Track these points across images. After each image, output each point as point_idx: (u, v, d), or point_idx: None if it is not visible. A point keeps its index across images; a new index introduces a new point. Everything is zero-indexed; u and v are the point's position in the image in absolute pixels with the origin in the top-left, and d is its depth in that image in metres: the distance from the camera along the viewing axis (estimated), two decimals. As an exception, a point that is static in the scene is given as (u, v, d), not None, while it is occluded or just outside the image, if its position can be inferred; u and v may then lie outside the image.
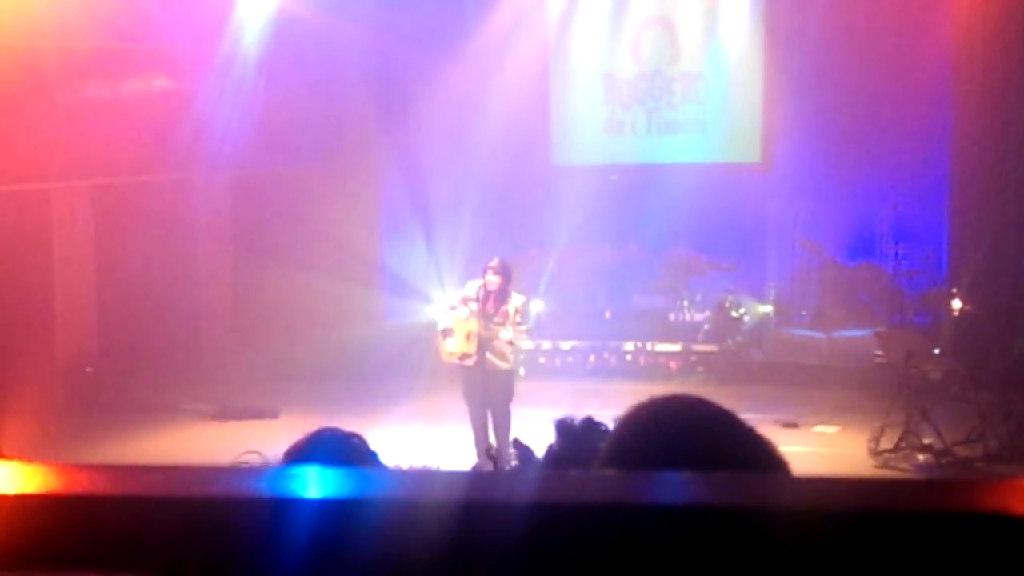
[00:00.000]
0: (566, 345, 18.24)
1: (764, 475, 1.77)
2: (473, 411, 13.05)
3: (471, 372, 12.95)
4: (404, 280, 19.53)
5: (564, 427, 2.94)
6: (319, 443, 3.04)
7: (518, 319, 12.89)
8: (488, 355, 12.84)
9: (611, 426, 2.82)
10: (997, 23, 17.33)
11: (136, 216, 17.35)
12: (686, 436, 1.93)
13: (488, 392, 12.88)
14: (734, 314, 18.48)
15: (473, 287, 13.02)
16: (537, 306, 17.68)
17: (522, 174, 19.77)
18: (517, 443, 4.10)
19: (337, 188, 19.21)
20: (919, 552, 0.93)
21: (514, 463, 4.31)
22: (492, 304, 12.86)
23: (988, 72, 17.43)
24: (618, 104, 20.17)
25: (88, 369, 16.62)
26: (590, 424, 2.89)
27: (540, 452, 3.41)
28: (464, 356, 12.92)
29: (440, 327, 13.19)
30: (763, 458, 1.94)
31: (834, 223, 19.07)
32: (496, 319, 12.82)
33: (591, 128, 20.24)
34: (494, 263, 12.95)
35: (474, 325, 12.82)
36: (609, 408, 2.33)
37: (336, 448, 3.06)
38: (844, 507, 0.97)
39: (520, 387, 13.74)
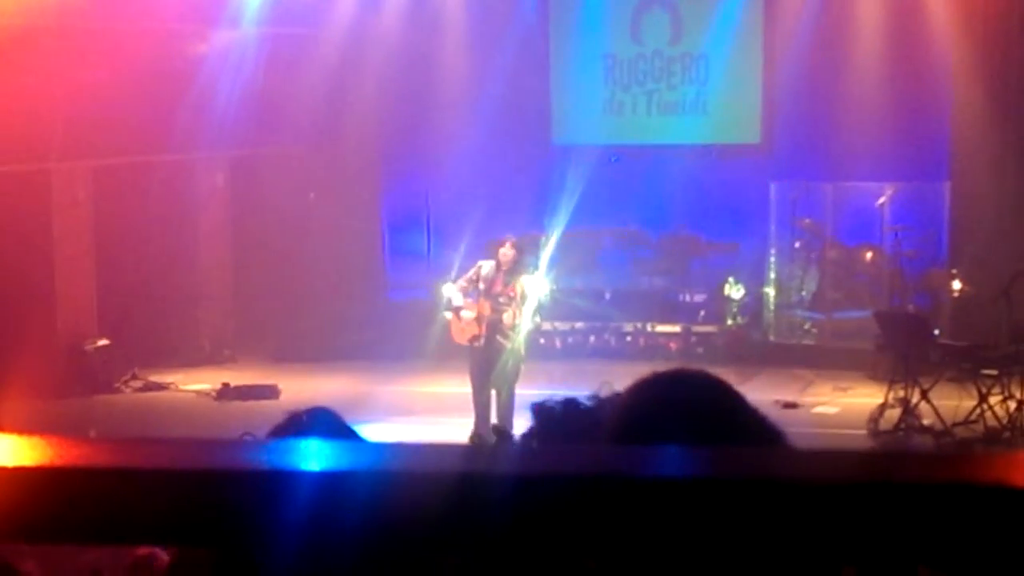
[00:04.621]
0: (566, 326, 18.23)
1: (763, 448, 1.78)
2: (477, 390, 13.05)
3: (478, 352, 12.96)
4: (405, 259, 19.54)
5: (542, 411, 2.91)
6: (301, 426, 3.05)
7: (524, 301, 12.92)
8: (496, 336, 12.86)
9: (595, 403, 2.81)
10: (998, 3, 17.31)
11: (136, 196, 17.33)
12: (691, 409, 1.94)
13: (494, 372, 12.89)
14: (734, 295, 18.47)
15: (485, 267, 13.02)
16: (544, 287, 17.65)
17: (522, 154, 19.76)
18: (501, 433, 4.08)
19: (337, 167, 19.21)
20: (917, 523, 0.93)
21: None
22: (500, 283, 12.87)
23: (988, 51, 17.41)
24: (618, 85, 20.15)
25: (87, 348, 16.63)
26: (570, 405, 2.87)
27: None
28: (473, 338, 12.93)
29: (452, 307, 13.14)
30: (764, 429, 1.96)
31: (834, 204, 19.04)
32: (502, 299, 12.83)
33: (591, 109, 20.22)
34: (510, 239, 12.98)
35: (483, 307, 12.83)
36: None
37: (319, 425, 3.07)
38: (844, 479, 0.97)
39: (520, 367, 13.74)
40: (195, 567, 2.39)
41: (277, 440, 2.75)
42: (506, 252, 12.83)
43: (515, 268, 12.91)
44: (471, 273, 13.18)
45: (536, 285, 13.49)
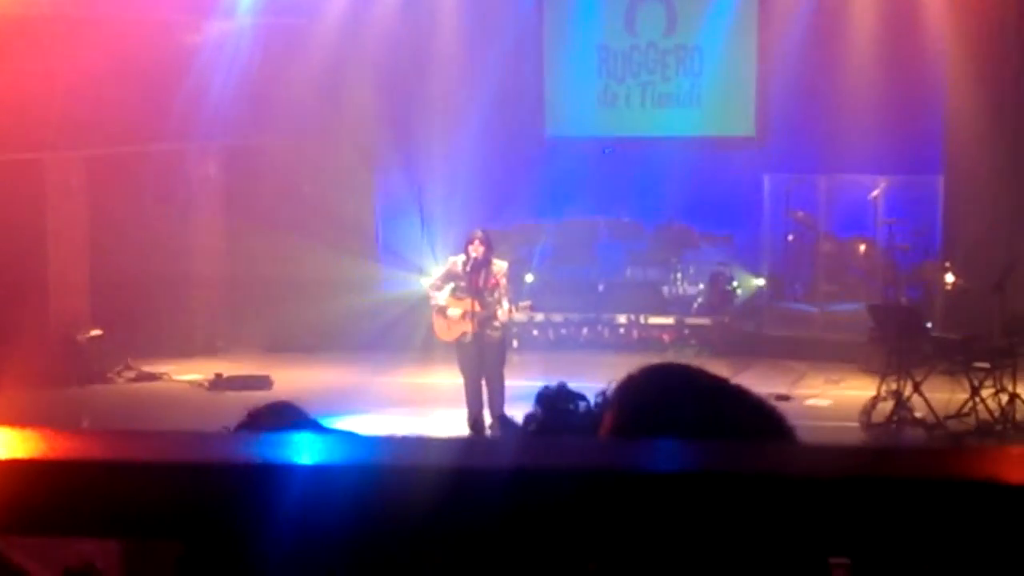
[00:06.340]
0: (559, 318, 18.24)
1: (751, 442, 1.77)
2: (469, 382, 13.06)
3: (467, 347, 12.97)
4: (398, 250, 19.54)
5: (543, 397, 2.92)
6: (261, 421, 3.04)
7: (507, 289, 12.97)
8: (487, 331, 12.89)
9: (590, 396, 2.81)
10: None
11: (130, 186, 17.31)
12: (690, 402, 1.94)
13: (483, 362, 12.91)
14: (727, 287, 18.49)
15: (458, 263, 13.02)
16: (528, 278, 17.69)
17: (516, 146, 19.74)
18: (502, 419, 4.08)
19: (331, 159, 19.19)
20: (909, 518, 0.94)
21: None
22: (481, 276, 12.87)
23: (982, 45, 17.42)
24: (612, 76, 20.12)
25: (80, 338, 16.61)
26: (563, 392, 2.88)
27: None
28: (463, 335, 12.94)
29: (436, 306, 13.16)
30: (764, 424, 1.95)
31: (827, 196, 19.05)
32: (486, 292, 12.84)
33: (585, 100, 20.19)
34: (479, 233, 12.97)
35: (469, 304, 12.84)
36: (601, 381, 2.32)
37: (284, 419, 3.05)
38: (838, 474, 0.97)
39: (514, 359, 13.76)
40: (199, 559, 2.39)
41: (268, 433, 2.74)
42: (477, 247, 12.83)
43: (488, 261, 12.93)
44: (446, 270, 13.20)
45: (521, 275, 13.53)
